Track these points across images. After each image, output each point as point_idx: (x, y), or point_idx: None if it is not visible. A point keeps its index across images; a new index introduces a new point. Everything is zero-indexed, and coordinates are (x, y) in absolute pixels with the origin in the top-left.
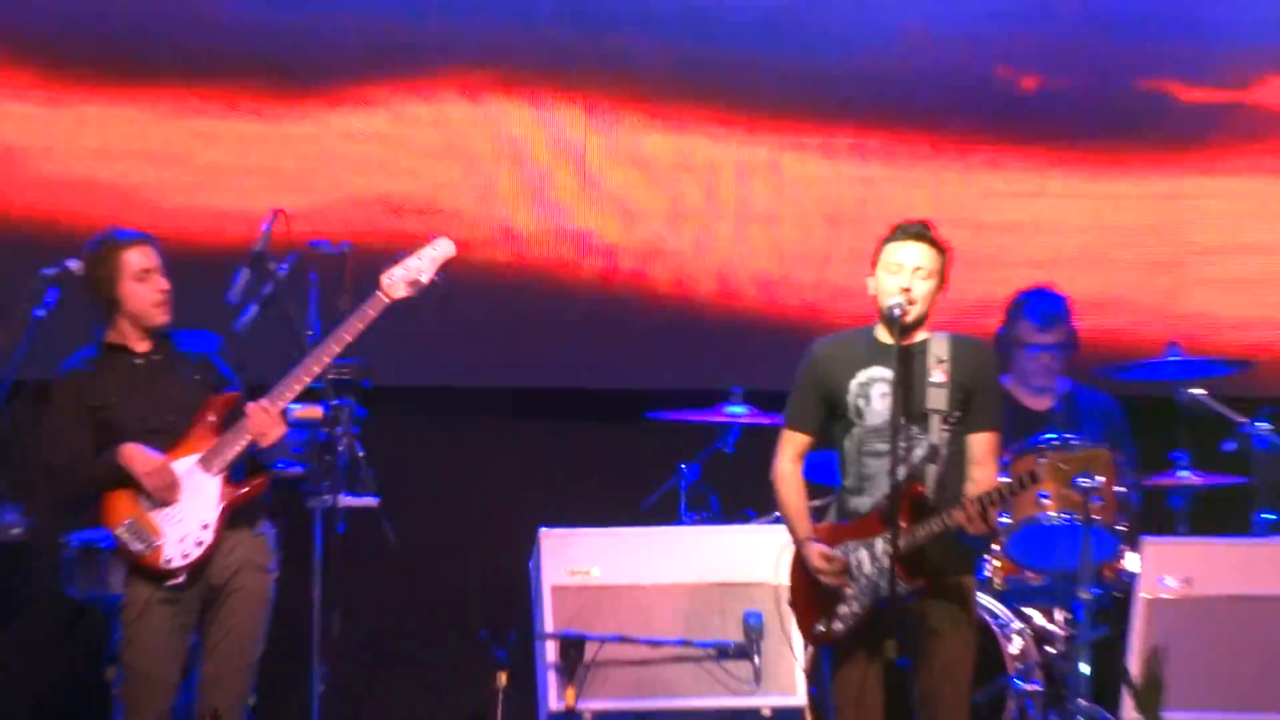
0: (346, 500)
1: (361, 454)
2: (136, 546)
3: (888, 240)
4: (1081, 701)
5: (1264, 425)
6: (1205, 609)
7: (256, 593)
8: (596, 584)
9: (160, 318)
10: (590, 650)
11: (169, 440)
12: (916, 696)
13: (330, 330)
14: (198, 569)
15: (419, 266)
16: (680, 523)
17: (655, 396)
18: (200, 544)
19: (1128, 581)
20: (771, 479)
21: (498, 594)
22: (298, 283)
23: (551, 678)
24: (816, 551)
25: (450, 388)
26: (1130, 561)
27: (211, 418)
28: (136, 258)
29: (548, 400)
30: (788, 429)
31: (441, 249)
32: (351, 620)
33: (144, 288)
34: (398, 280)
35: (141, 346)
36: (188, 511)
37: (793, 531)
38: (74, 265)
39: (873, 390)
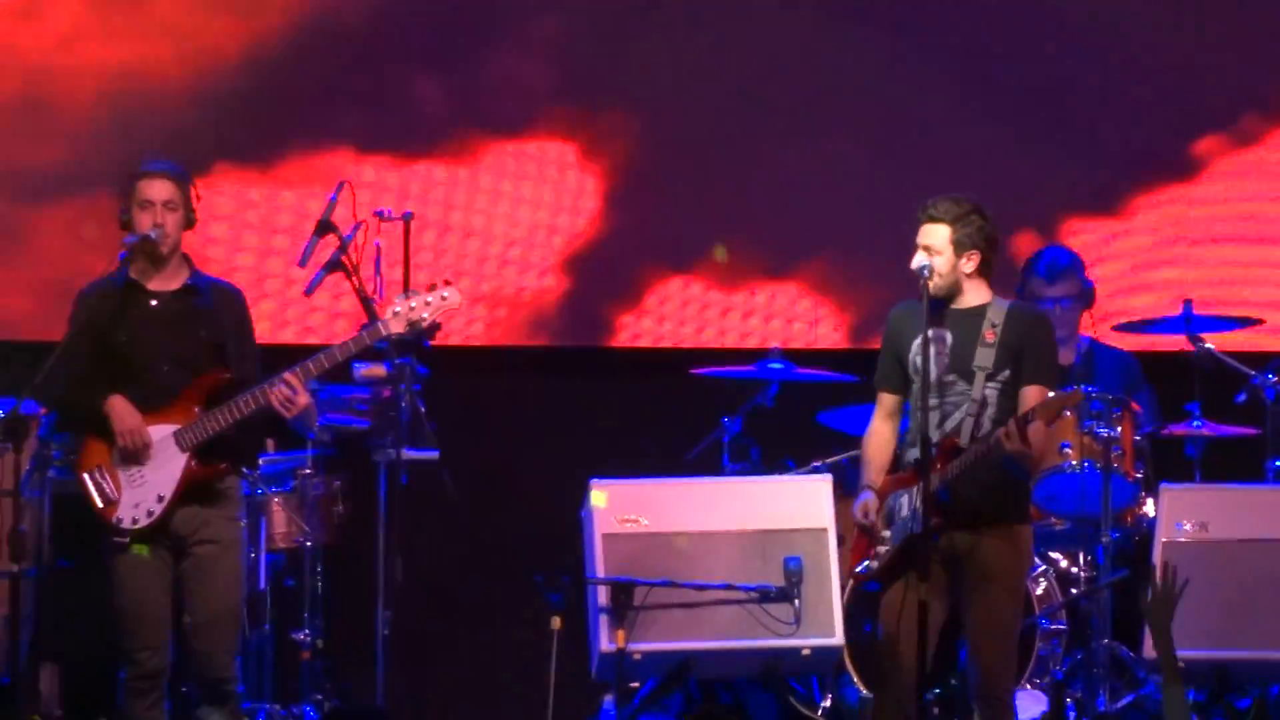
0: (409, 454)
1: (422, 410)
2: (96, 496)
3: (919, 219)
4: (1104, 640)
5: (1273, 378)
6: (1220, 552)
7: (226, 541)
8: (645, 531)
9: (148, 249)
10: (639, 594)
11: (159, 392)
12: (966, 636)
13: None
14: (156, 524)
15: (422, 307)
16: (723, 473)
17: (700, 354)
18: (150, 514)
19: (1147, 526)
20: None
21: (551, 541)
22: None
23: (603, 620)
24: (859, 504)
25: (506, 346)
26: (1149, 507)
27: (198, 394)
28: (145, 186)
29: (598, 358)
30: (877, 391)
31: (450, 299)
32: (414, 567)
33: (143, 215)
34: (400, 315)
35: (158, 286)
36: (149, 479)
37: (863, 476)
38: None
39: (929, 351)
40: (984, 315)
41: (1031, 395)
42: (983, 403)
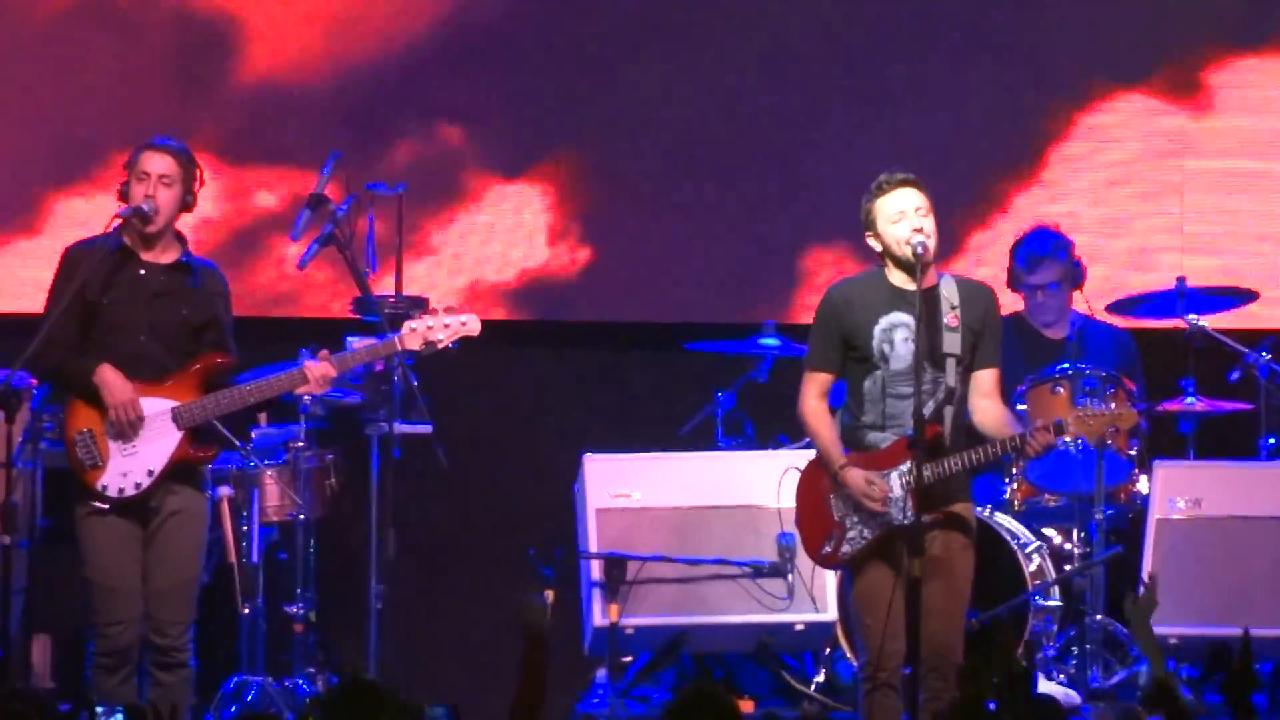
0: (401, 427)
1: (415, 384)
2: (83, 458)
3: (874, 199)
4: (1097, 616)
5: (1266, 355)
6: (1214, 529)
7: (192, 512)
8: (638, 506)
9: (137, 221)
10: (632, 569)
11: (132, 361)
12: (921, 613)
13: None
14: (139, 498)
15: (439, 329)
16: (716, 448)
17: (693, 329)
18: (138, 486)
19: (1140, 503)
20: (800, 415)
21: (544, 516)
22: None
23: (596, 595)
24: (862, 476)
25: (498, 320)
26: (1142, 484)
27: (199, 373)
28: (145, 159)
29: (591, 332)
30: (810, 370)
31: (468, 325)
32: (406, 540)
33: (138, 187)
34: (417, 333)
35: (150, 258)
36: (142, 452)
37: (829, 460)
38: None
39: (895, 335)
40: (941, 296)
41: (990, 383)
42: (954, 390)
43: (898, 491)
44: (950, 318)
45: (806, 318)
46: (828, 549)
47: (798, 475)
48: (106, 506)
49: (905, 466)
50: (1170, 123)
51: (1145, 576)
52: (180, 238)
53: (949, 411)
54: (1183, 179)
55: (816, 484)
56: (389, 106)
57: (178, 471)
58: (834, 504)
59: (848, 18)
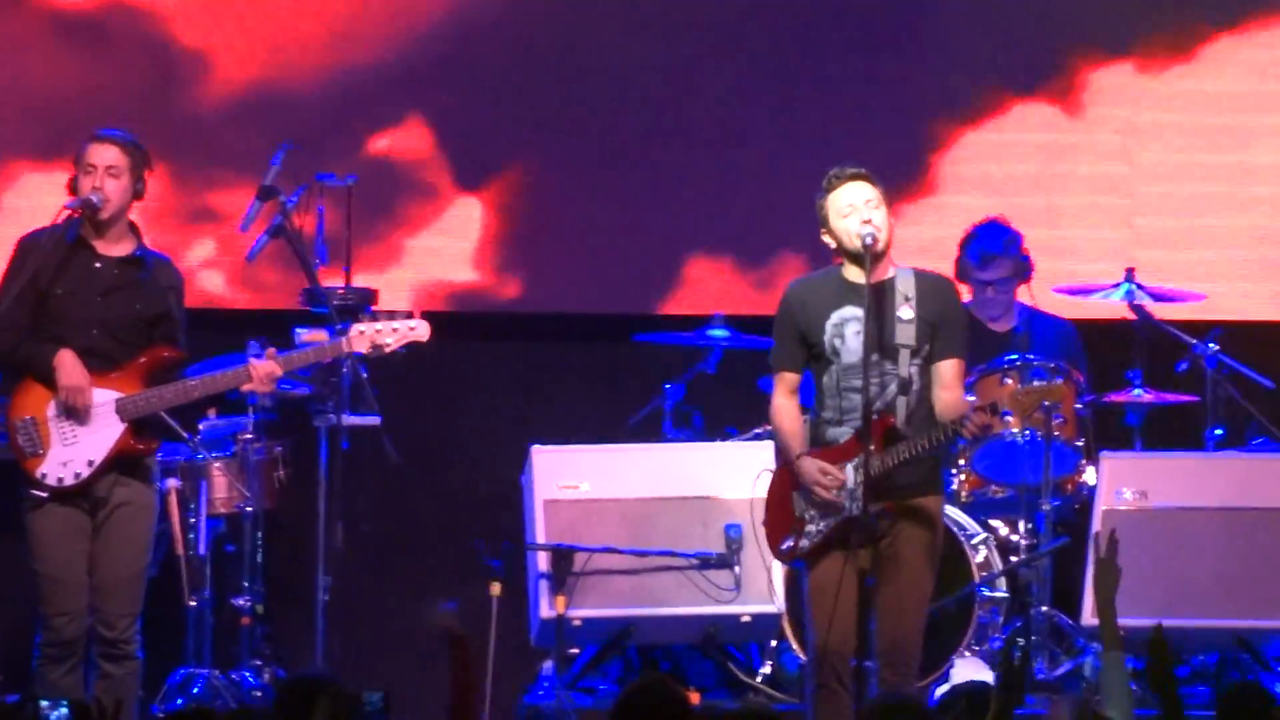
0: (350, 419)
1: (364, 375)
2: (24, 445)
3: (825, 195)
4: (1043, 608)
5: (1213, 346)
6: (1160, 520)
7: (140, 504)
8: (586, 498)
9: (88, 212)
10: (579, 561)
11: (85, 354)
12: (877, 610)
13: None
14: (79, 488)
15: (388, 332)
16: (665, 440)
17: (642, 320)
18: (78, 476)
19: (1087, 494)
20: (770, 413)
21: (492, 507)
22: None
23: (543, 586)
24: (816, 466)
25: (447, 312)
26: (1089, 475)
27: (145, 366)
28: (91, 151)
29: (540, 324)
30: (776, 370)
31: (417, 331)
32: (354, 532)
33: (85, 179)
34: (365, 335)
35: (104, 250)
36: (84, 440)
37: (788, 450)
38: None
39: (847, 329)
40: (895, 288)
41: (949, 374)
42: (909, 380)
43: (853, 484)
44: (904, 309)
45: (755, 310)
46: (788, 544)
47: (769, 476)
48: (45, 495)
49: (860, 459)
50: (1122, 114)
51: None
52: (134, 229)
53: (903, 402)
54: (1131, 172)
55: (784, 482)
56: (342, 102)
57: (124, 463)
58: (796, 500)
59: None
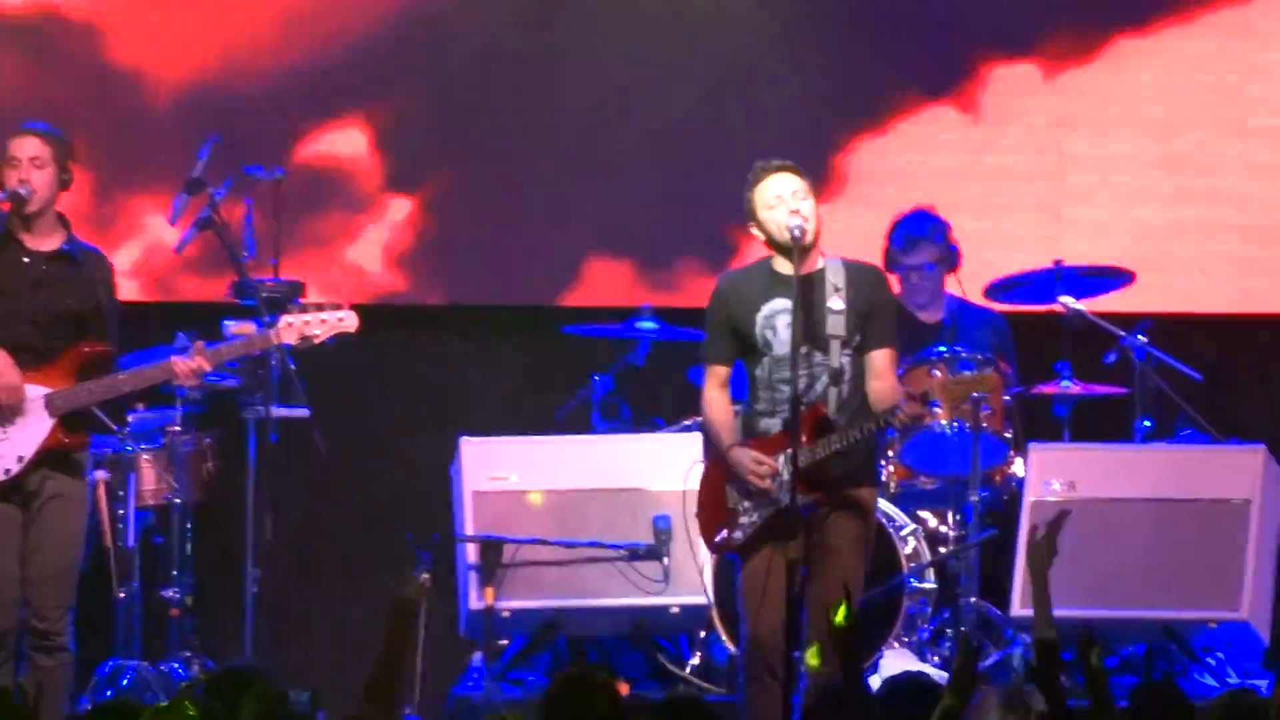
0: (279, 411)
1: (293, 367)
2: None
3: (752, 188)
4: (972, 598)
5: (1142, 338)
6: (1088, 511)
7: (72, 497)
8: (515, 489)
9: (16, 205)
10: (508, 552)
11: (17, 352)
12: (809, 601)
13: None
14: (9, 484)
15: (317, 323)
16: (593, 432)
17: (570, 312)
18: (8, 472)
19: (1015, 485)
20: (701, 407)
21: (422, 499)
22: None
23: (472, 578)
24: (750, 455)
25: (376, 304)
26: (1017, 466)
27: (74, 360)
28: (12, 145)
29: (468, 316)
30: (707, 364)
31: (345, 322)
32: (283, 525)
33: (10, 173)
34: (294, 327)
35: (33, 245)
36: (14, 437)
37: (720, 441)
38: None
39: (777, 321)
40: (825, 279)
41: (881, 363)
42: (840, 371)
43: (785, 475)
44: (836, 298)
45: (683, 302)
46: (721, 536)
47: (701, 468)
48: None
49: (782, 455)
50: (1049, 102)
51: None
52: (64, 221)
53: (835, 393)
54: (1060, 162)
55: (717, 474)
56: (275, 100)
57: (54, 458)
58: (729, 492)
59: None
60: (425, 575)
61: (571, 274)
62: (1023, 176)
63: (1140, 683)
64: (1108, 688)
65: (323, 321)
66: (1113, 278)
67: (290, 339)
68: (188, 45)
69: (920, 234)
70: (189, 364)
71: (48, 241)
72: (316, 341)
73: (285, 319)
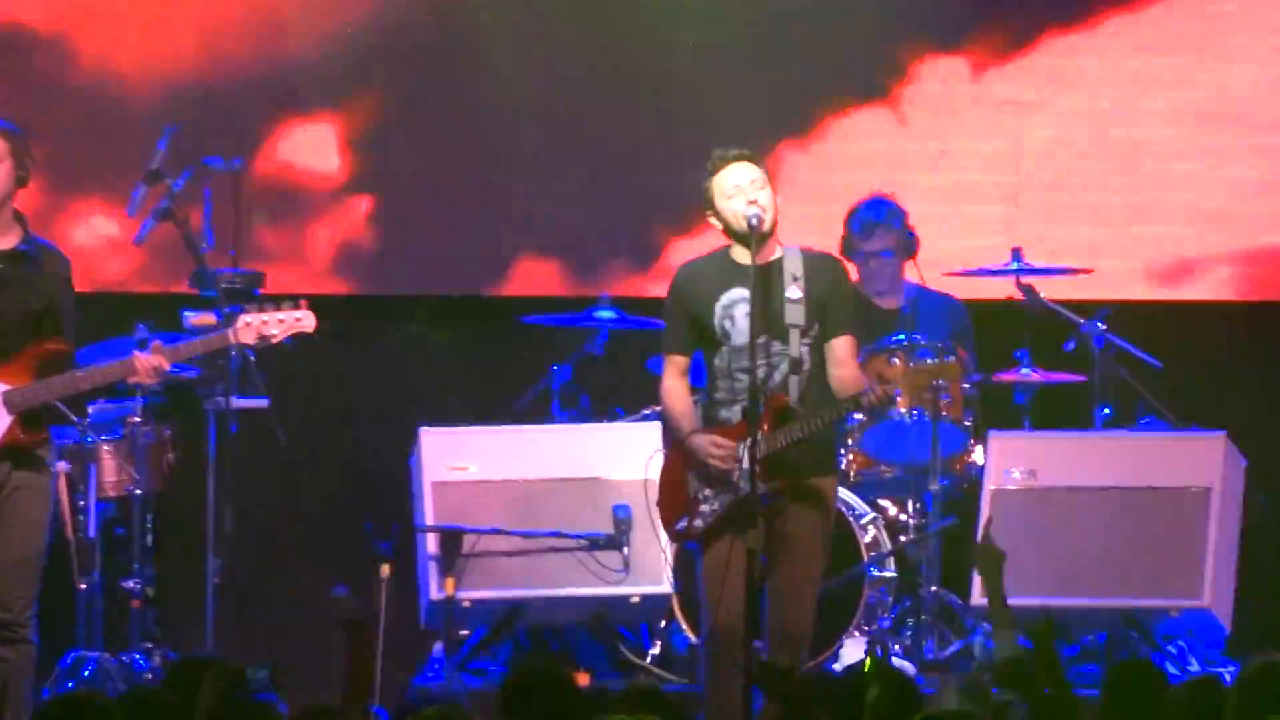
0: (239, 403)
1: (252, 358)
2: None
3: (710, 177)
4: (933, 587)
5: (1101, 325)
6: (1048, 499)
7: (36, 488)
8: (474, 479)
9: None
10: (468, 542)
11: None
12: (770, 590)
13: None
14: None
15: (274, 323)
16: (553, 421)
17: (529, 301)
18: None
19: (975, 473)
20: (660, 396)
21: (382, 490)
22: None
23: (432, 568)
24: (709, 440)
25: (335, 295)
26: (977, 454)
27: (32, 358)
28: None
29: (427, 306)
30: (666, 354)
31: (303, 321)
32: (244, 515)
33: None
34: (252, 327)
35: None
36: None
37: (679, 429)
38: None
39: (736, 311)
40: (783, 268)
41: (842, 351)
42: (800, 360)
43: (746, 464)
44: (794, 288)
45: (642, 291)
46: (682, 525)
47: (661, 457)
48: None
49: (742, 444)
50: (1006, 89)
51: (981, 526)
52: (20, 219)
53: (795, 382)
54: (1019, 146)
55: (677, 463)
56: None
57: (13, 453)
58: (690, 480)
59: None
60: (387, 566)
61: (527, 266)
62: (978, 167)
63: (1116, 661)
64: (1064, 673)
65: (280, 321)
66: (1069, 268)
67: (248, 339)
68: (151, 39)
69: (878, 219)
70: (148, 362)
71: (4, 240)
72: (274, 341)
73: (243, 319)
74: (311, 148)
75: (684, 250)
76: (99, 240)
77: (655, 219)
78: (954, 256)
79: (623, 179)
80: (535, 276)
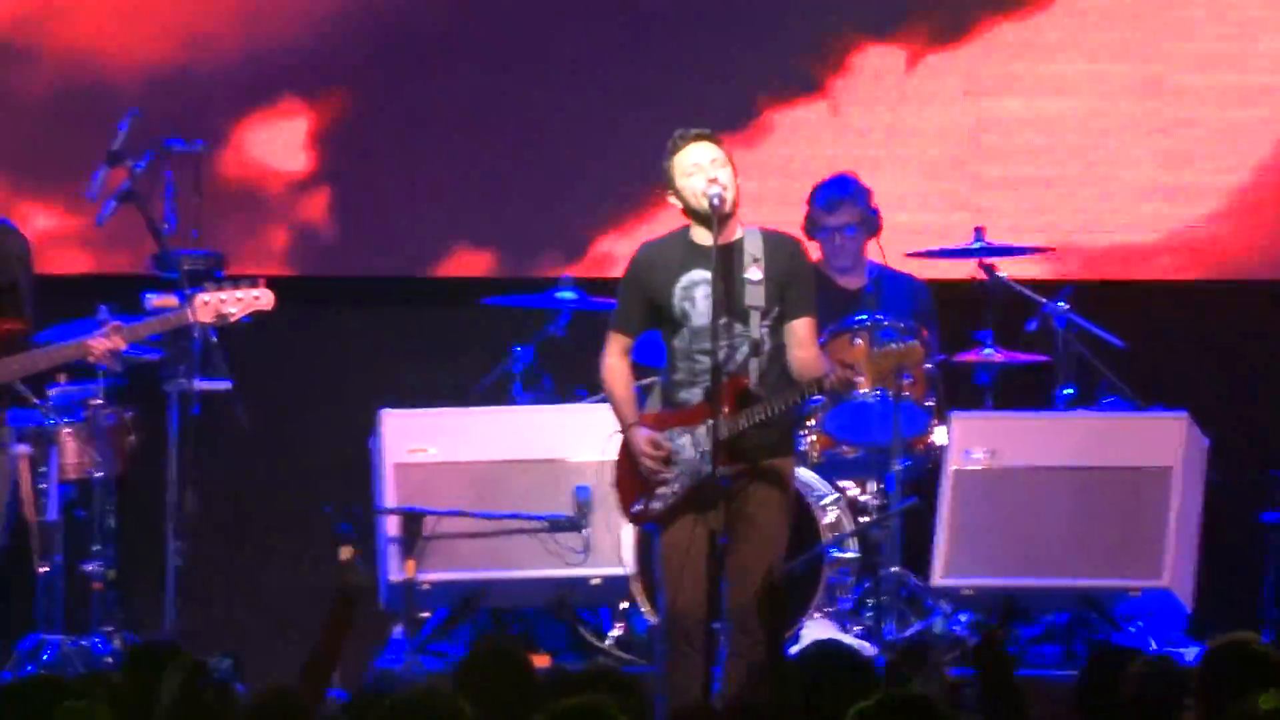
0: (200, 384)
1: (215, 340)
2: None
3: (670, 157)
4: (894, 568)
5: (1064, 305)
6: (1010, 479)
7: None
8: (435, 461)
9: None
10: (429, 524)
11: None
12: (729, 571)
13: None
14: None
15: (233, 301)
16: (514, 402)
17: (490, 283)
18: None
19: (937, 454)
20: (601, 373)
21: (343, 472)
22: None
23: (392, 551)
24: (644, 438)
25: (297, 277)
26: (939, 435)
27: None
28: None
29: (388, 288)
30: (613, 330)
31: (261, 300)
32: (205, 498)
33: None
34: (210, 305)
35: None
36: None
37: (620, 418)
38: None
39: (696, 293)
40: (743, 249)
41: (802, 332)
42: (760, 342)
43: (689, 452)
44: (754, 269)
45: (604, 272)
46: (638, 507)
47: (619, 437)
48: None
49: (703, 426)
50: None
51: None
52: None
53: (755, 364)
54: (977, 125)
55: None
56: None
57: None
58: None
59: None
60: (348, 548)
61: (491, 246)
62: (937, 141)
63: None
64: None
65: (238, 300)
66: (1031, 247)
67: (206, 317)
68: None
69: (843, 195)
70: (105, 343)
71: None
72: (233, 320)
73: (201, 298)
74: (276, 136)
75: (630, 240)
76: (62, 222)
77: (601, 211)
78: (912, 236)
79: (570, 172)
80: (493, 261)
